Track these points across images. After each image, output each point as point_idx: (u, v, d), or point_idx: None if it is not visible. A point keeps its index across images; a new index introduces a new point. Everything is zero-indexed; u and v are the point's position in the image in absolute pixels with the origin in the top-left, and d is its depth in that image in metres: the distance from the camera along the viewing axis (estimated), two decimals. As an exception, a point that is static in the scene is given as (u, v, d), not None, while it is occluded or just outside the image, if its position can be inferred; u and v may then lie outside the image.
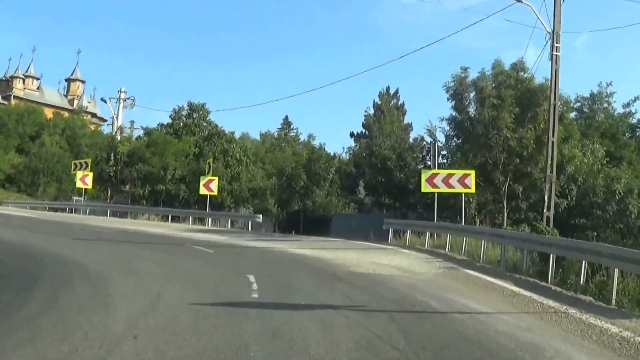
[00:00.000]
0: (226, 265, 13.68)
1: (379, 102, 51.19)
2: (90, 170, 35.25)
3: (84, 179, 34.93)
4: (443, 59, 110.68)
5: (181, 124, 41.66)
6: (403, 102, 52.98)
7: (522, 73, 27.07)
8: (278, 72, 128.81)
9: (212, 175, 31.99)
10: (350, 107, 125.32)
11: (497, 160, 25.98)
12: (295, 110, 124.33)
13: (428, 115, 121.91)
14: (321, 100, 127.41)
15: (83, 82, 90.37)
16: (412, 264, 14.73)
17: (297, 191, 36.87)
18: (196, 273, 12.12)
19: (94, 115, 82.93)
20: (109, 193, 39.12)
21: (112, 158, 37.01)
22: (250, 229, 29.95)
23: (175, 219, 32.48)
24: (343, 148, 71.53)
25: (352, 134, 51.57)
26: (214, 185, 31.46)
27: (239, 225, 33.30)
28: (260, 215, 30.54)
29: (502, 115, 25.24)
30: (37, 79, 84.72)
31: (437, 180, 22.40)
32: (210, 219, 31.15)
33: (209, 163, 32.24)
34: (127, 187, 37.39)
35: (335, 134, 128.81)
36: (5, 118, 52.73)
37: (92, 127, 69.66)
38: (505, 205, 26.65)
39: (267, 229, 33.95)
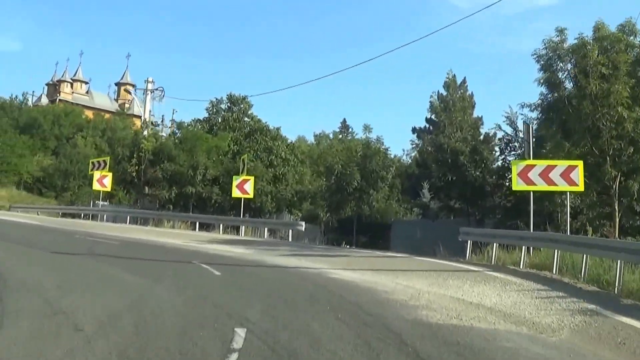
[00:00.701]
0: (217, 303, 8.41)
1: (444, 94, 44.67)
2: (110, 170, 30.87)
3: (102, 181, 30.44)
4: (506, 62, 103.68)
5: (219, 119, 36.94)
6: (472, 92, 46.19)
7: (633, 37, 20.86)
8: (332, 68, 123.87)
9: (247, 175, 26.94)
10: (410, 112, 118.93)
11: (607, 149, 19.86)
12: (354, 113, 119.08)
13: (497, 112, 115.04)
14: (380, 101, 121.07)
15: (133, 85, 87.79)
16: (521, 302, 9.05)
17: (350, 194, 31.28)
18: (154, 320, 7.09)
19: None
20: (132, 196, 34.61)
21: (134, 156, 32.38)
22: (290, 238, 24.75)
23: (205, 226, 27.60)
24: (403, 150, 65.21)
25: (414, 129, 45.52)
26: (250, 187, 26.37)
27: (282, 234, 28.21)
28: (303, 223, 25.13)
29: (615, 89, 19.10)
30: (86, 82, 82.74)
31: (533, 175, 16.60)
32: (244, 227, 26.04)
33: (243, 160, 27.13)
34: (151, 189, 32.64)
35: (395, 138, 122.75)
36: (40, 119, 49.59)
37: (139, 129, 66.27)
38: (617, 208, 20.48)
39: (314, 239, 28.67)
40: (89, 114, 63.15)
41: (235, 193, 26.61)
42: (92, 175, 31.25)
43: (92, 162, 32.18)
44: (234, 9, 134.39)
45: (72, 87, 79.79)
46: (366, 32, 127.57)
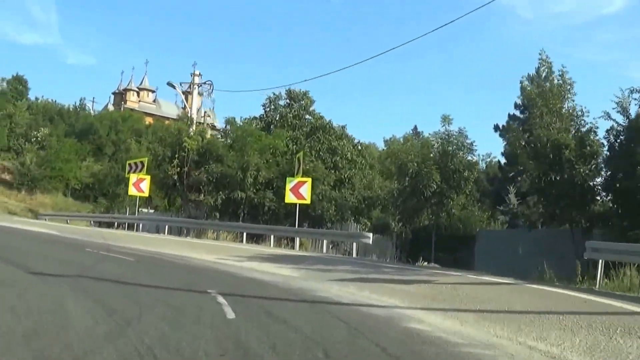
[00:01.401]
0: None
1: (529, 88, 38.50)
2: (148, 173, 27.40)
3: (139, 185, 27.06)
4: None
5: (277, 117, 33.04)
6: (571, 78, 39.18)
7: None
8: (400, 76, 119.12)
9: (303, 177, 22.68)
10: (484, 119, 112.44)
11: None
12: (425, 122, 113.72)
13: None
14: (450, 109, 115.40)
15: (201, 94, 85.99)
16: None
17: (427, 199, 26.29)
18: None
19: (213, 127, 77.90)
20: (176, 203, 31.02)
21: (176, 157, 28.70)
22: (355, 253, 20.27)
23: (255, 238, 23.50)
24: (478, 155, 58.95)
25: (496, 127, 39.83)
26: (306, 190, 22.06)
27: (345, 248, 23.83)
28: (370, 235, 20.45)
29: None
30: (153, 91, 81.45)
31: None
32: (299, 239, 21.76)
33: (298, 158, 22.96)
34: (195, 194, 28.90)
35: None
36: (97, 125, 47.49)
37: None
38: None
39: (384, 254, 24.08)
40: (151, 121, 61.20)
41: (289, 198, 22.37)
42: (129, 178, 28.02)
43: (129, 164, 28.95)
44: (301, 17, 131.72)
45: (138, 95, 78.79)
46: (429, 44, 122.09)
